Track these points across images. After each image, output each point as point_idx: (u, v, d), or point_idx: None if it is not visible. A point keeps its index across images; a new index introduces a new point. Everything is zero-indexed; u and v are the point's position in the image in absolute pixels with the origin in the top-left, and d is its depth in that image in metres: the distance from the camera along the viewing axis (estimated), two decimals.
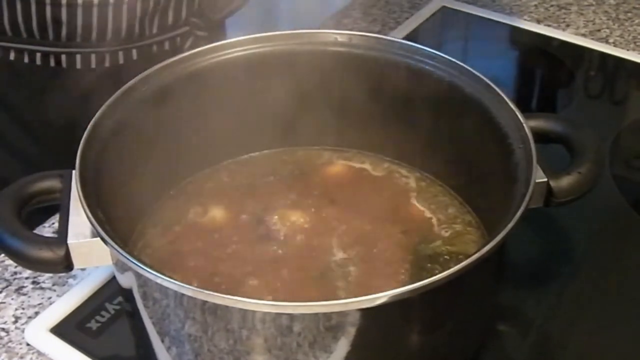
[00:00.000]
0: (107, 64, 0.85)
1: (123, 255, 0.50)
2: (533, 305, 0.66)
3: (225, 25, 0.97)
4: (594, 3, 1.08)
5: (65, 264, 0.55)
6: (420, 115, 0.66)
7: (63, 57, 0.83)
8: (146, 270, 0.49)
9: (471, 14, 1.06)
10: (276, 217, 0.64)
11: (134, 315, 0.55)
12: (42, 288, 0.67)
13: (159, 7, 0.84)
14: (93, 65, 0.84)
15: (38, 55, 0.83)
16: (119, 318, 0.64)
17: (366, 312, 0.48)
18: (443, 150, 0.67)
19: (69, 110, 0.85)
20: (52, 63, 0.83)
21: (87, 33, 0.82)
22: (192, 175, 0.69)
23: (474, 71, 0.63)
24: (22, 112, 0.87)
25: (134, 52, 0.86)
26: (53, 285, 0.67)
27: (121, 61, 0.85)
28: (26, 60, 0.83)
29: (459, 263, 0.49)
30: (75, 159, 0.56)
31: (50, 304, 0.66)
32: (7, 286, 0.67)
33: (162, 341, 0.55)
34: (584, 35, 1.01)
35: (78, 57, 0.83)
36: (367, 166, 0.71)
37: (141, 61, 0.85)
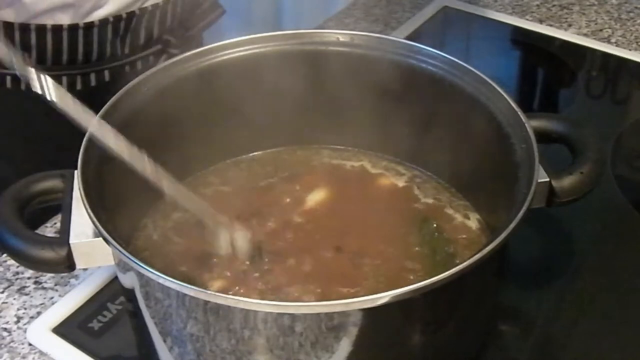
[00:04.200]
0: (79, 87, 0.83)
1: (125, 255, 0.50)
2: (535, 305, 0.66)
3: (202, 37, 0.96)
4: (596, 3, 1.08)
5: (67, 264, 0.55)
6: (422, 114, 0.67)
7: None
8: (148, 270, 0.49)
9: (473, 14, 1.06)
10: (279, 214, 0.65)
11: (136, 315, 0.55)
12: (44, 288, 0.67)
13: (130, 28, 0.83)
14: (65, 88, 0.83)
15: (8, 78, 0.82)
16: (121, 318, 0.64)
17: (368, 312, 0.48)
18: (444, 149, 0.67)
19: (41, 134, 0.84)
20: (23, 86, 0.81)
21: (58, 56, 0.81)
22: (193, 174, 0.69)
23: (475, 71, 0.63)
24: None
25: (106, 73, 0.84)
26: (55, 285, 0.67)
27: (93, 83, 0.84)
28: None
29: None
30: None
31: (52, 304, 0.66)
32: (9, 286, 0.68)
33: (164, 341, 0.55)
34: (586, 35, 1.01)
35: None
36: (366, 164, 0.71)
37: (114, 83, 0.83)
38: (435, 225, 0.64)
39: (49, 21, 0.79)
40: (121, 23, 0.82)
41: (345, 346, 0.50)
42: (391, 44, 0.67)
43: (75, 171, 0.56)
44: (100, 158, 0.58)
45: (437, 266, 0.60)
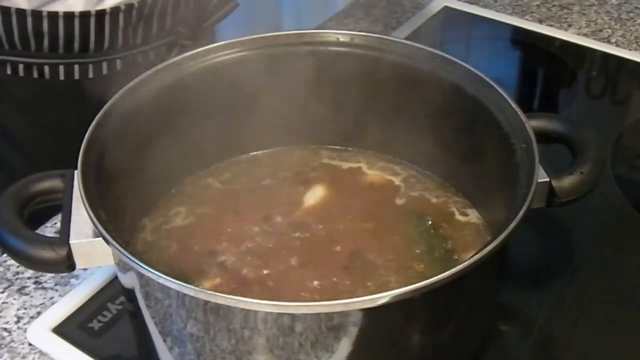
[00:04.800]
0: (90, 75, 0.84)
1: (125, 255, 0.50)
2: (535, 305, 0.66)
3: (215, 30, 0.96)
4: (596, 3, 1.08)
5: (67, 264, 0.55)
6: (422, 115, 0.66)
7: (46, 68, 0.82)
8: (148, 270, 0.49)
9: (473, 14, 1.06)
10: (277, 214, 0.65)
11: (136, 315, 0.56)
12: (44, 288, 0.67)
13: (143, 18, 0.83)
14: (76, 76, 0.83)
15: (21, 66, 0.82)
16: (121, 318, 0.64)
17: (368, 312, 0.48)
18: (444, 149, 0.67)
19: (53, 122, 0.85)
20: (35, 74, 0.82)
21: (70, 44, 0.81)
22: (192, 174, 0.69)
23: (476, 71, 0.63)
24: (5, 123, 0.86)
25: (118, 62, 0.85)
26: (55, 285, 0.67)
27: (105, 72, 0.84)
28: (9, 71, 0.82)
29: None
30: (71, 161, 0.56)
31: (53, 304, 0.66)
32: (9, 286, 0.68)
33: (164, 341, 0.55)
34: (586, 35, 1.01)
35: (61, 68, 0.82)
36: (365, 164, 0.71)
37: (125, 72, 0.83)
38: (430, 222, 0.64)
39: (61, 8, 0.79)
40: (133, 11, 0.82)
41: (345, 346, 0.50)
42: (391, 44, 0.67)
43: (75, 171, 0.56)
44: (100, 158, 0.58)
45: (436, 263, 0.61)
